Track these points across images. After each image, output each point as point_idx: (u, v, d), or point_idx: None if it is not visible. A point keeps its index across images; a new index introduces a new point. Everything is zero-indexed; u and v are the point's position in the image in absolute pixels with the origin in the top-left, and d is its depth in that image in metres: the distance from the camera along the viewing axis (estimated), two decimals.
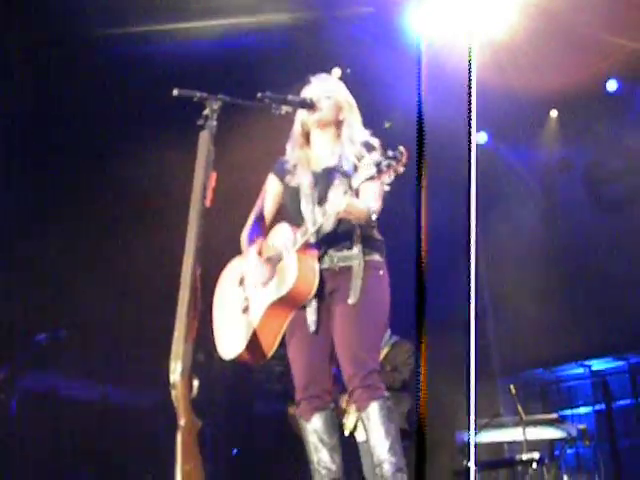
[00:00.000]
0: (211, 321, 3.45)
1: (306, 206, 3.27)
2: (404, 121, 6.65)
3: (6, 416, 5.47)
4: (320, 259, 3.20)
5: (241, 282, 3.38)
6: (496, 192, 7.83)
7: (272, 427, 7.09)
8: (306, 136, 3.44)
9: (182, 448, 2.55)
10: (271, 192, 3.49)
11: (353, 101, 3.43)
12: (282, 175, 3.43)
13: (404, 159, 2.85)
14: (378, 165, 2.85)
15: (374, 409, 3.06)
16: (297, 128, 3.42)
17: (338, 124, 3.38)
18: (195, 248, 2.71)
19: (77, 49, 5.85)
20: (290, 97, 3.23)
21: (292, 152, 3.42)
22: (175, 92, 2.90)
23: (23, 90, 5.86)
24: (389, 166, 2.85)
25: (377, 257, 3.27)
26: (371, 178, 2.88)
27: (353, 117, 3.39)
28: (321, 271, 3.19)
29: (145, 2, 5.73)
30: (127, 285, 6.39)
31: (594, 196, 7.88)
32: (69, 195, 6.29)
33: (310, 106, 3.29)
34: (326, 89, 3.37)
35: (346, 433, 5.23)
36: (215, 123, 2.90)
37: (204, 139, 2.87)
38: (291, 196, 3.36)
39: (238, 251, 3.48)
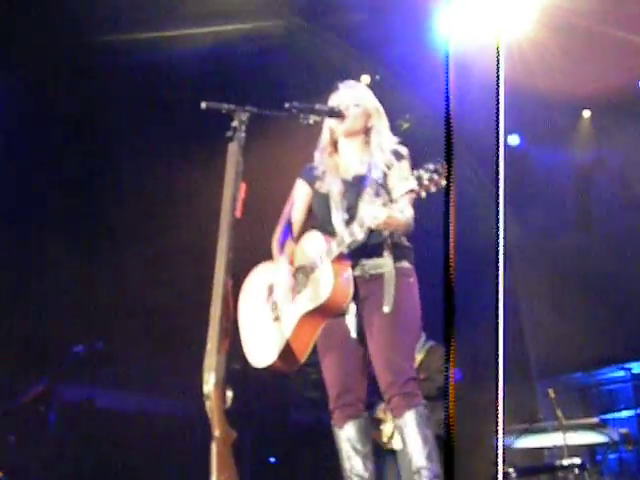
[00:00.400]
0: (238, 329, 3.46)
1: (336, 214, 3.27)
2: (426, 122, 6.61)
3: (45, 428, 5.53)
4: (352, 267, 3.20)
5: (270, 290, 3.38)
6: (529, 194, 7.76)
7: (309, 435, 7.08)
8: (334, 144, 3.44)
9: (217, 459, 2.56)
10: (300, 197, 3.48)
11: (381, 108, 3.43)
12: (311, 181, 3.43)
13: (445, 172, 2.83)
14: (419, 178, 2.84)
15: (411, 416, 3.06)
16: (325, 136, 3.43)
17: (367, 132, 3.38)
18: (226, 259, 2.73)
19: (81, 56, 5.87)
20: (318, 106, 3.24)
21: (321, 159, 3.42)
22: (203, 105, 2.92)
23: (22, 95, 5.91)
24: (430, 180, 2.83)
25: (406, 264, 3.27)
26: (411, 191, 2.87)
27: (381, 124, 3.39)
28: (354, 279, 3.19)
29: (154, 8, 5.73)
30: (162, 296, 6.43)
31: (629, 196, 7.76)
32: (96, 206, 6.35)
33: (338, 115, 3.29)
34: (354, 96, 3.37)
35: (384, 441, 5.20)
36: (244, 134, 2.92)
37: (233, 150, 2.89)
38: (321, 203, 3.36)
39: (267, 260, 3.48)
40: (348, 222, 3.17)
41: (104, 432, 6.11)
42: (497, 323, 1.71)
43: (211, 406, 2.59)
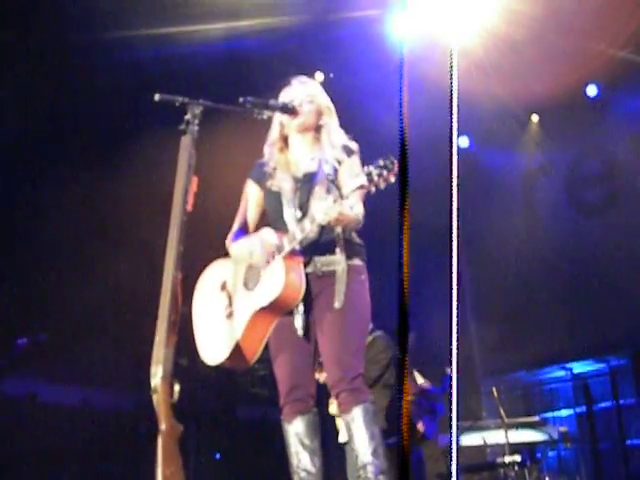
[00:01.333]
0: (192, 325, 3.44)
1: (288, 211, 3.26)
2: (385, 126, 6.67)
3: None
4: (305, 264, 3.21)
5: (223, 287, 3.36)
6: (478, 196, 7.87)
7: (255, 431, 7.08)
8: (285, 139, 3.43)
9: (163, 452, 2.54)
10: (252, 198, 3.46)
11: (332, 105, 3.43)
12: (261, 179, 3.41)
13: (395, 168, 2.85)
14: (369, 175, 2.86)
15: (358, 412, 3.07)
16: (275, 131, 3.41)
17: (317, 129, 3.38)
18: (176, 252, 2.71)
19: (73, 52, 5.82)
20: (272, 102, 3.23)
21: (271, 155, 3.41)
22: (157, 97, 2.89)
23: (18, 92, 5.82)
24: (380, 175, 2.85)
25: (358, 261, 3.27)
26: (361, 187, 2.89)
27: (332, 121, 3.39)
28: (307, 276, 3.19)
29: (130, 7, 5.70)
30: (109, 288, 6.36)
31: (575, 199, 7.94)
32: (53, 196, 6.25)
33: (292, 111, 3.29)
34: (308, 93, 3.36)
35: (340, 439, 5.22)
36: (197, 128, 2.90)
37: (185, 143, 2.87)
38: (272, 201, 3.35)
39: (219, 256, 3.47)
40: (300, 219, 3.17)
41: (47, 426, 6.02)
42: (451, 322, 1.73)
43: (158, 399, 2.57)
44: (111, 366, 6.50)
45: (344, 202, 2.98)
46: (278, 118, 3.37)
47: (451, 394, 1.72)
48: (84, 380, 6.59)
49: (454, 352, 1.73)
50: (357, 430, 3.06)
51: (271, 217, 3.36)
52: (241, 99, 3.08)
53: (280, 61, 6.17)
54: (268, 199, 3.37)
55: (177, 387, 2.61)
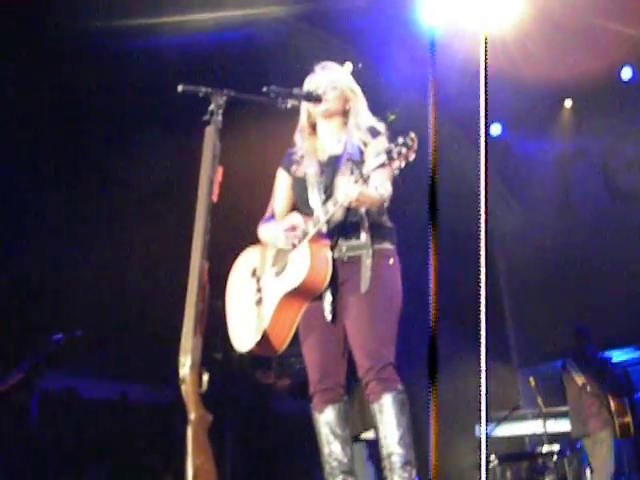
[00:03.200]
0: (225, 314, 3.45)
1: (313, 195, 3.26)
2: (412, 113, 6.63)
3: (27, 416, 5.51)
4: (331, 249, 3.19)
5: (254, 273, 3.37)
6: (511, 182, 7.80)
7: (289, 423, 7.08)
8: (313, 126, 3.43)
9: (192, 443, 2.54)
10: (281, 186, 3.48)
11: (358, 88, 3.41)
12: (289, 167, 3.42)
13: (415, 145, 2.83)
14: (389, 152, 2.84)
15: (387, 401, 3.04)
16: (303, 119, 3.42)
17: (345, 113, 3.37)
18: (202, 242, 2.71)
19: (77, 41, 5.83)
20: (296, 90, 3.22)
21: (300, 142, 3.42)
22: (180, 88, 2.89)
23: (19, 80, 5.87)
24: (400, 153, 2.83)
25: (387, 245, 3.24)
26: (382, 165, 2.87)
27: (359, 105, 3.37)
28: (333, 261, 3.17)
29: None
30: (144, 282, 6.41)
31: (610, 186, 7.82)
32: (77, 194, 6.31)
33: (316, 99, 3.28)
34: (331, 79, 3.35)
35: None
36: (221, 118, 2.89)
37: (210, 134, 2.86)
38: (299, 186, 3.35)
39: (246, 246, 3.48)
40: (325, 202, 3.16)
41: (86, 420, 6.10)
42: (479, 312, 1.72)
43: (186, 389, 2.56)
44: (148, 360, 6.56)
45: (369, 182, 2.96)
46: (305, 106, 3.37)
47: (480, 386, 1.70)
48: (121, 374, 6.65)
49: (482, 342, 1.71)
50: (384, 419, 3.04)
51: (298, 203, 3.36)
52: (265, 88, 3.07)
53: (306, 50, 6.16)
54: (295, 185, 3.37)
55: (206, 377, 2.61)
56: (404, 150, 2.83)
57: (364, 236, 3.18)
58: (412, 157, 2.85)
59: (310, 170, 3.31)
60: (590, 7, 6.32)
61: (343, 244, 3.20)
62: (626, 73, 7.45)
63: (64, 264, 6.18)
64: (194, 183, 2.81)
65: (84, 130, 6.29)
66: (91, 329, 5.69)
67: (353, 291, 3.15)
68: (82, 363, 6.19)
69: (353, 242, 3.19)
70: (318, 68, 3.41)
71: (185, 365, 2.57)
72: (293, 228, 3.17)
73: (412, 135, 2.85)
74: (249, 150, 5.33)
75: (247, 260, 3.46)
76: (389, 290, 3.20)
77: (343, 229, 3.20)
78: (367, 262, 3.14)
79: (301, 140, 3.42)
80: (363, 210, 3.17)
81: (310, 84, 3.36)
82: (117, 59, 5.98)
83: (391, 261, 3.22)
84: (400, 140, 2.85)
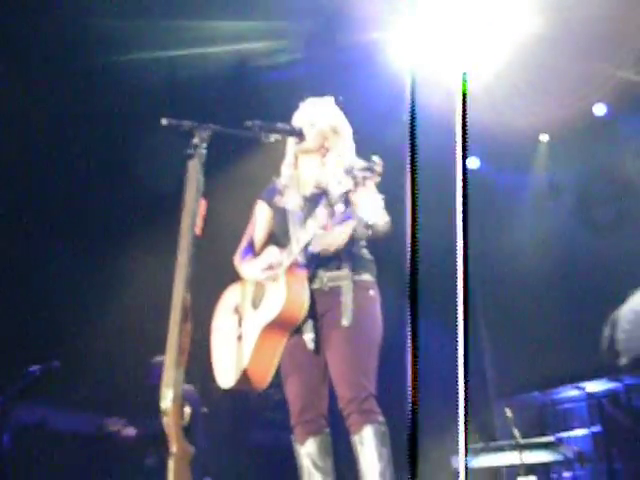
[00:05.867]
0: (209, 351, 3.45)
1: (293, 228, 3.29)
2: (394, 149, 6.69)
3: None
4: (310, 280, 3.21)
5: (236, 310, 3.38)
6: (489, 216, 7.88)
7: (269, 456, 7.04)
8: (297, 159, 3.47)
9: (174, 475, 2.55)
10: (260, 216, 3.51)
11: (340, 127, 3.43)
12: (270, 199, 3.45)
13: (379, 169, 2.87)
14: (354, 178, 2.86)
15: (369, 433, 3.05)
16: (289, 151, 3.46)
17: (323, 152, 3.40)
18: (185, 276, 2.73)
19: (75, 77, 5.87)
20: (279, 125, 3.26)
21: (286, 173, 3.45)
22: (164, 122, 2.93)
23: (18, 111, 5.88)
24: (364, 177, 2.86)
25: (367, 277, 3.28)
26: (347, 192, 2.90)
27: (340, 144, 3.40)
28: (312, 292, 3.19)
29: (132, 31, 5.76)
30: (121, 315, 6.37)
31: (585, 219, 7.93)
32: (60, 224, 6.29)
33: (298, 134, 3.32)
34: (311, 117, 3.39)
35: None
36: (204, 151, 2.93)
37: (193, 168, 2.90)
38: (279, 218, 3.38)
39: (229, 279, 3.49)
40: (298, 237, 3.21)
41: (61, 454, 6.01)
42: (458, 343, 1.74)
43: (168, 422, 2.58)
44: (125, 393, 6.49)
45: (357, 210, 2.99)
46: (290, 139, 3.41)
47: (458, 417, 1.72)
48: (98, 407, 6.57)
49: (461, 372, 1.74)
50: (365, 451, 3.04)
51: (278, 233, 3.39)
52: (248, 123, 3.11)
53: (288, 85, 6.22)
54: (276, 216, 3.40)
55: (188, 409, 2.62)
56: (368, 174, 2.86)
57: (345, 267, 3.21)
58: (377, 180, 2.89)
59: (292, 202, 3.34)
60: (564, 45, 6.46)
61: (324, 274, 3.23)
62: (599, 109, 7.60)
63: (39, 293, 6.13)
64: (177, 216, 2.84)
65: (66, 163, 6.30)
66: (69, 360, 5.64)
67: (334, 322, 3.17)
68: (57, 395, 6.11)
69: (334, 273, 3.22)
70: (304, 104, 3.46)
71: (167, 398, 2.58)
72: (270, 267, 3.19)
73: (375, 158, 2.89)
74: (232, 183, 5.36)
75: (229, 297, 3.48)
76: (370, 322, 3.23)
77: (324, 260, 3.23)
78: (348, 293, 3.17)
79: (286, 171, 3.46)
80: (343, 244, 3.21)
81: (295, 119, 3.41)
82: (102, 91, 6.01)
83: (371, 292, 3.26)
84: (364, 164, 2.90)
